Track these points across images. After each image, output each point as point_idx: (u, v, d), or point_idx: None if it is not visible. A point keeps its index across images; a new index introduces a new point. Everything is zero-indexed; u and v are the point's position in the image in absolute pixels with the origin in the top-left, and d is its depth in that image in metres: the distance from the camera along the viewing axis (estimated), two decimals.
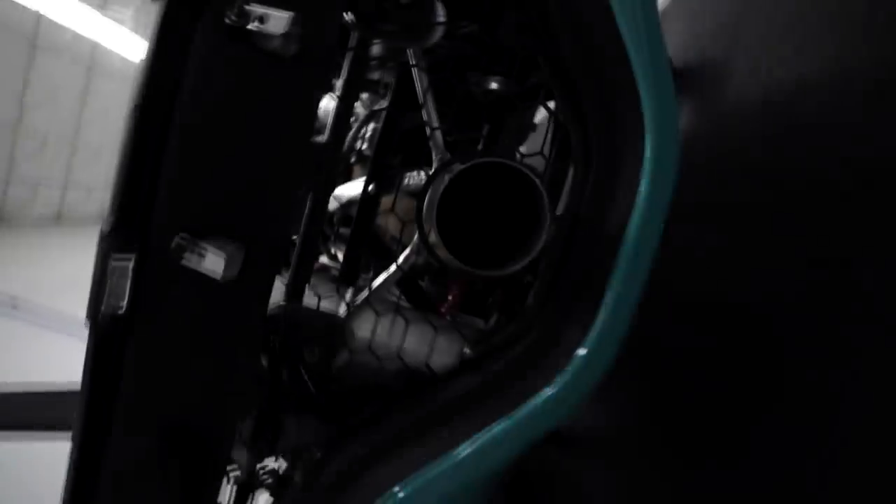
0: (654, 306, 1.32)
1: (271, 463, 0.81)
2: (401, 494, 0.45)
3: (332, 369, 0.61)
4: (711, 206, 1.25)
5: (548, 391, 0.42)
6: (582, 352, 0.42)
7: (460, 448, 0.44)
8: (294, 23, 0.41)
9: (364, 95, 0.84)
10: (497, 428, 0.44)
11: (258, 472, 0.70)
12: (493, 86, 0.86)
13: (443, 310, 0.81)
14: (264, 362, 0.54)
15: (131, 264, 0.46)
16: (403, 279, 0.86)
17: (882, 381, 0.63)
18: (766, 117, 1.14)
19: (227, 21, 0.42)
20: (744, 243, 1.10)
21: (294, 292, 0.57)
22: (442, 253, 0.47)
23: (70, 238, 8.02)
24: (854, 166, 0.84)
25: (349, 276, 0.75)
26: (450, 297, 0.87)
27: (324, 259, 0.98)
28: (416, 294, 0.80)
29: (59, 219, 8.43)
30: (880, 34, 0.86)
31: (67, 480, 0.54)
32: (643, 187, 0.40)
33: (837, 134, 0.90)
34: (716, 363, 1.03)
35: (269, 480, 0.75)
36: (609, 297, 0.41)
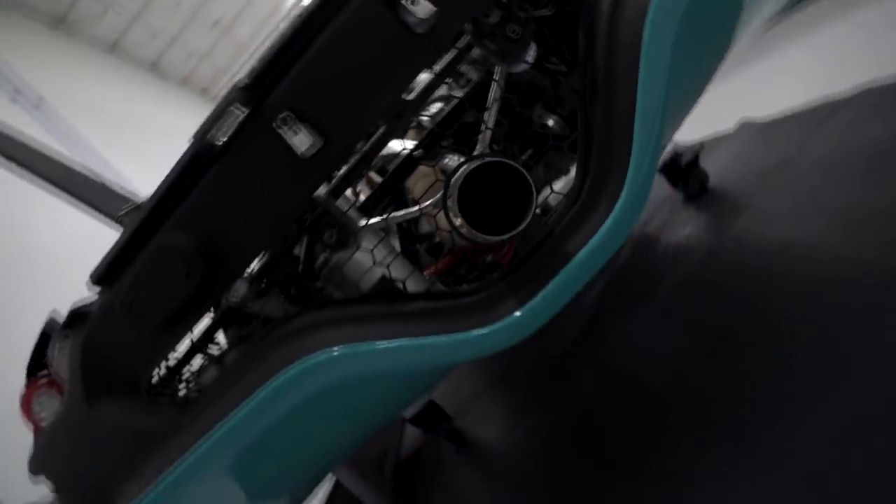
0: (585, 365, 1.50)
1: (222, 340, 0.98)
2: (335, 353, 0.63)
3: (328, 262, 0.78)
4: (676, 311, 1.42)
5: (480, 331, 0.60)
6: (517, 314, 0.60)
7: (399, 342, 0.61)
8: (434, 15, 0.59)
9: (448, 79, 1.03)
10: (431, 339, 0.61)
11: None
12: (550, 123, 1.04)
13: (425, 272, 0.99)
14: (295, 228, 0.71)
15: (243, 116, 0.63)
16: (405, 237, 1.04)
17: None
18: (755, 262, 1.32)
19: None
20: (681, 349, 1.28)
21: (334, 191, 0.74)
22: (454, 216, 0.65)
23: (116, 70, 8.14)
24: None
25: (370, 208, 0.93)
26: (433, 268, 1.05)
27: (348, 192, 1.16)
28: (410, 251, 0.98)
29: (113, 48, 8.56)
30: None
31: (114, 248, 0.71)
32: (601, 232, 0.58)
33: (794, 306, 1.07)
34: (614, 425, 1.20)
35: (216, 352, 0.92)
36: (548, 289, 0.59)
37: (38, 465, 0.89)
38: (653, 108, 0.55)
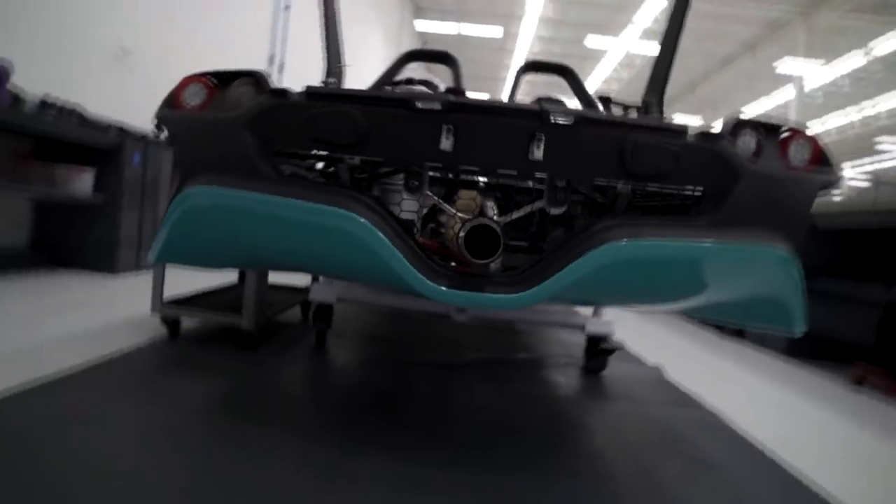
0: (431, 376, 2.10)
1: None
2: (361, 221, 1.17)
3: (392, 189, 1.37)
4: (509, 396, 2.02)
5: (422, 278, 1.16)
6: (442, 288, 1.17)
7: (392, 245, 1.16)
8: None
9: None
10: (404, 259, 1.18)
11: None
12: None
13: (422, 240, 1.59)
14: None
15: (437, 107, 1.21)
16: (430, 213, 1.63)
17: None
18: (547, 419, 1.94)
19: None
20: (484, 412, 1.88)
21: (430, 168, 1.34)
22: (462, 231, 1.24)
23: None
24: None
25: (432, 185, 1.52)
26: (428, 242, 1.65)
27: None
28: (426, 222, 1.58)
29: None
30: None
31: (332, 89, 1.28)
32: (506, 296, 1.17)
33: None
34: (417, 412, 1.79)
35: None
36: (463, 293, 1.17)
37: (167, 119, 1.43)
38: (563, 282, 1.14)
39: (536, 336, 3.25)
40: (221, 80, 1.47)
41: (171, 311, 2.24)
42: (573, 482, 1.36)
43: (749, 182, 1.23)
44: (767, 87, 15.54)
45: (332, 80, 1.65)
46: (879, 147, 16.70)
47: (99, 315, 2.54)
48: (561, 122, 1.19)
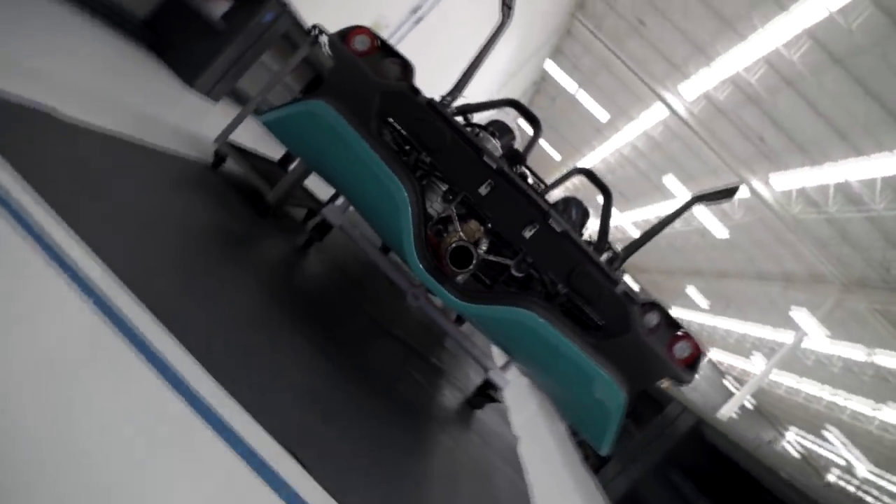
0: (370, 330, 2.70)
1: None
2: (405, 195, 1.78)
3: (434, 189, 1.97)
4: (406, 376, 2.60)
5: (414, 258, 1.75)
6: (420, 266, 1.76)
7: (410, 215, 1.75)
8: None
9: None
10: (411, 232, 1.76)
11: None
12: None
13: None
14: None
15: (494, 167, 1.81)
16: (442, 220, 2.22)
17: None
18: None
19: None
20: (387, 368, 2.45)
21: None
22: (455, 244, 1.83)
23: None
24: None
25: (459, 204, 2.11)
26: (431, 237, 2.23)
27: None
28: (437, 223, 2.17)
29: None
30: None
31: (443, 108, 1.88)
32: (455, 301, 1.75)
33: None
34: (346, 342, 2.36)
35: None
36: (431, 281, 1.75)
37: (333, 44, 2.01)
38: (487, 313, 1.72)
39: (454, 359, 3.83)
40: (383, 46, 2.06)
41: (227, 149, 2.79)
42: (406, 440, 1.94)
43: (633, 340, 1.83)
44: (776, 321, 16.42)
45: (448, 98, 2.24)
46: (825, 433, 17.62)
47: (166, 111, 3.09)
48: (552, 226, 1.79)
